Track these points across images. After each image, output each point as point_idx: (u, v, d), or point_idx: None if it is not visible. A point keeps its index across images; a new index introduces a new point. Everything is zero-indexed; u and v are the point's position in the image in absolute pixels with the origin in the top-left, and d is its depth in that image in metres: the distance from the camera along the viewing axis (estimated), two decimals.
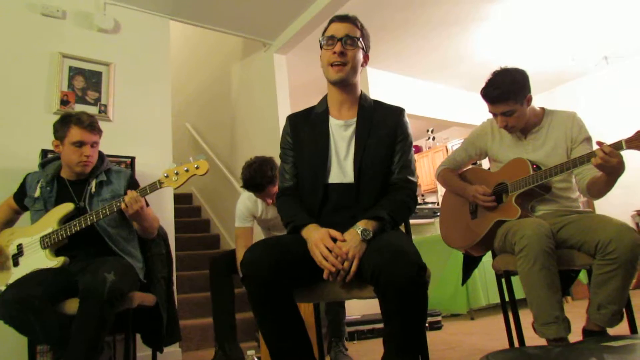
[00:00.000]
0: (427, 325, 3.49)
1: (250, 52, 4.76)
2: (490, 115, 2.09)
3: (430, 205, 6.71)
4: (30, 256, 2.05)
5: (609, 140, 1.67)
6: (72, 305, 1.86)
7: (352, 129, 1.63)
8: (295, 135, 1.69)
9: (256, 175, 2.63)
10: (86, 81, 3.23)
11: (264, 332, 1.39)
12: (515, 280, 1.87)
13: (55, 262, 1.99)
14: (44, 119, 2.93)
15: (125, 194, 2.01)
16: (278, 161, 1.80)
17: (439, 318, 3.69)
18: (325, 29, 1.62)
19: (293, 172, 1.68)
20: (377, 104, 1.71)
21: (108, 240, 2.09)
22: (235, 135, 5.06)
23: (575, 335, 1.74)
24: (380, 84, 5.39)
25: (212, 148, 5.45)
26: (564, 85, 6.51)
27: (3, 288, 1.89)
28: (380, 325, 3.31)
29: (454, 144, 7.69)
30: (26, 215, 2.24)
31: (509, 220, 1.92)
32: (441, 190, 6.90)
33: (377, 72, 5.43)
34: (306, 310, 2.34)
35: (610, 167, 1.66)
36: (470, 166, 2.35)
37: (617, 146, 1.64)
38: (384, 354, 1.33)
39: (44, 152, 2.80)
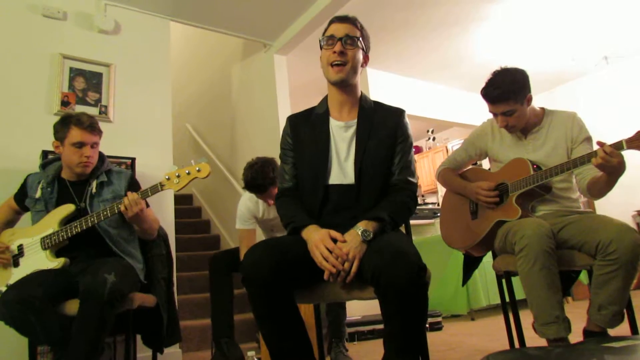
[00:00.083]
0: (427, 326, 3.49)
1: (250, 52, 4.76)
2: (491, 116, 2.09)
3: (430, 206, 6.71)
4: (31, 257, 2.05)
5: (610, 140, 1.67)
6: (72, 306, 1.86)
7: (352, 130, 1.63)
8: (295, 136, 1.70)
9: (258, 176, 2.63)
10: (87, 82, 3.23)
11: (264, 332, 1.40)
12: (516, 281, 1.87)
13: (55, 263, 1.99)
14: (44, 119, 2.93)
15: (126, 194, 2.01)
16: (279, 162, 1.80)
17: (440, 319, 3.69)
18: (326, 30, 1.62)
19: (293, 173, 1.68)
20: (378, 105, 1.71)
21: (109, 241, 2.09)
22: (235, 136, 5.06)
23: (575, 336, 1.73)
24: (380, 84, 5.39)
25: (213, 149, 5.46)
26: (564, 85, 6.51)
27: (3, 289, 1.89)
28: (381, 326, 3.30)
29: (454, 144, 7.69)
30: (27, 216, 2.24)
31: (509, 220, 1.92)
32: (441, 191, 6.89)
33: (377, 72, 5.43)
34: (306, 311, 2.34)
35: (610, 167, 1.66)
36: (470, 166, 2.35)
37: (618, 146, 1.64)
38: (384, 355, 1.33)
39: (45, 153, 2.81)
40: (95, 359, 1.76)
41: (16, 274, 2.03)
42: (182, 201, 5.70)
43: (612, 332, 1.78)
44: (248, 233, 2.83)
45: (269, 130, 4.33)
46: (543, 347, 1.66)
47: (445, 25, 4.58)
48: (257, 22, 4.05)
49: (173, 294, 2.42)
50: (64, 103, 3.10)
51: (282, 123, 3.91)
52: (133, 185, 2.24)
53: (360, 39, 1.60)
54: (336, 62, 1.56)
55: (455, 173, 2.30)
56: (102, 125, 2.22)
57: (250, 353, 2.73)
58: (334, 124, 1.65)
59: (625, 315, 1.77)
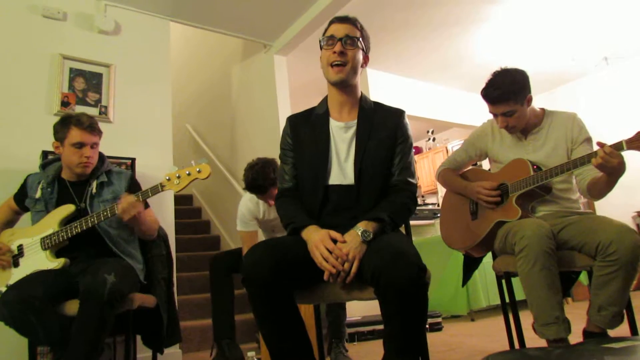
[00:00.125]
0: (427, 326, 3.48)
1: (250, 53, 4.76)
2: (491, 116, 2.09)
3: (430, 207, 6.71)
4: (31, 257, 2.05)
5: (610, 140, 1.67)
6: (72, 307, 1.86)
7: (352, 130, 1.64)
8: (295, 136, 1.70)
9: (258, 177, 2.63)
10: (87, 82, 3.23)
11: (265, 333, 1.39)
12: (516, 282, 1.87)
13: (55, 263, 1.99)
14: (44, 120, 2.93)
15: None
16: (279, 162, 1.80)
17: (439, 319, 3.69)
18: (326, 30, 1.63)
19: (293, 173, 1.68)
20: (378, 105, 1.71)
21: (109, 241, 2.08)
22: (235, 136, 5.06)
23: (575, 337, 1.74)
24: (380, 85, 5.40)
25: (213, 149, 5.46)
26: (564, 85, 6.52)
27: (3, 289, 1.89)
28: (381, 327, 3.30)
29: (454, 145, 7.69)
30: (27, 216, 2.24)
31: (509, 221, 1.92)
32: (441, 192, 6.89)
33: (377, 73, 5.43)
34: (306, 311, 2.34)
35: (610, 168, 1.66)
36: (470, 167, 2.35)
37: (618, 147, 1.64)
38: (384, 355, 1.33)
39: (45, 154, 2.81)
40: (95, 359, 1.75)
41: (16, 274, 2.02)
42: (182, 202, 5.70)
43: (611, 332, 1.78)
44: (250, 235, 2.82)
45: (269, 131, 4.33)
46: (543, 348, 1.66)
47: (445, 26, 4.59)
48: (257, 22, 4.05)
49: (173, 295, 2.42)
50: (64, 103, 3.10)
51: (282, 123, 3.91)
52: (133, 185, 2.24)
53: (361, 39, 1.60)
54: (336, 63, 1.56)
55: (455, 173, 2.30)
56: (102, 126, 2.22)
57: (250, 353, 2.73)
58: (334, 125, 1.66)
59: (625, 316, 1.77)
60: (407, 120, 1.69)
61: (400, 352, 1.30)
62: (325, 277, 1.40)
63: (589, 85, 6.27)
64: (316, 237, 1.43)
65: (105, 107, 3.26)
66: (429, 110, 5.87)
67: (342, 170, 1.60)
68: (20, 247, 2.09)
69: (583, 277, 3.63)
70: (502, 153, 2.12)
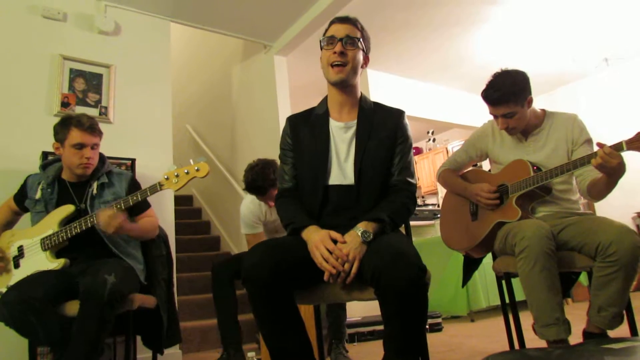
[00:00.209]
0: (427, 327, 3.48)
1: (250, 53, 4.77)
2: (491, 117, 2.09)
3: (430, 207, 6.71)
4: (31, 258, 2.05)
5: (610, 141, 1.67)
6: (72, 307, 1.86)
7: (352, 131, 1.64)
8: (295, 137, 1.70)
9: (258, 178, 2.63)
10: (87, 83, 3.23)
11: (265, 333, 1.39)
12: (516, 282, 1.87)
13: (55, 263, 1.99)
14: (44, 120, 2.94)
15: (127, 196, 2.01)
16: (279, 163, 1.80)
17: (439, 320, 3.69)
18: (326, 30, 1.63)
19: (292, 174, 1.68)
20: (377, 106, 1.71)
21: (108, 242, 2.08)
22: (235, 136, 5.06)
23: (575, 338, 1.74)
24: (380, 85, 5.40)
25: (213, 149, 5.46)
26: (565, 86, 6.52)
27: (4, 290, 1.89)
28: (381, 327, 3.31)
29: (455, 145, 7.70)
30: (27, 217, 2.24)
31: (509, 221, 1.92)
32: (441, 192, 6.90)
33: (377, 73, 5.43)
34: (306, 311, 2.34)
35: (610, 168, 1.66)
36: (470, 168, 2.35)
37: (618, 147, 1.64)
38: (384, 356, 1.33)
39: (45, 154, 2.81)
40: (95, 359, 1.75)
41: (16, 275, 2.03)
42: (183, 202, 5.70)
43: (611, 333, 1.78)
44: (256, 237, 2.80)
45: (269, 131, 4.33)
46: (543, 349, 1.66)
47: (446, 26, 4.59)
48: (258, 23, 4.06)
49: (173, 295, 2.42)
50: (64, 104, 3.10)
51: (282, 124, 3.91)
52: (134, 186, 2.23)
53: (361, 39, 1.60)
54: (336, 63, 1.56)
55: (455, 174, 2.30)
56: (102, 127, 2.22)
57: (250, 353, 2.73)
58: (334, 125, 1.66)
59: (625, 317, 1.77)
60: (406, 120, 1.69)
61: (400, 352, 1.30)
62: (326, 277, 1.40)
63: (589, 86, 6.27)
64: (316, 238, 1.43)
65: (106, 108, 3.26)
66: (429, 110, 5.87)
67: (342, 170, 1.60)
68: (20, 248, 2.09)
69: (583, 278, 3.64)
70: (502, 154, 2.12)
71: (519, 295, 1.88)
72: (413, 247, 1.39)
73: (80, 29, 3.34)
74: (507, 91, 1.92)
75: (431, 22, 4.47)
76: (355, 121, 1.65)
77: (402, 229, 1.70)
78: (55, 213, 2.08)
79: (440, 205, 2.49)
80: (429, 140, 8.31)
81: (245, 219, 2.83)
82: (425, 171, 8.07)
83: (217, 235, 5.22)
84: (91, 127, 2.11)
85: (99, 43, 3.37)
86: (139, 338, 2.32)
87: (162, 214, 3.15)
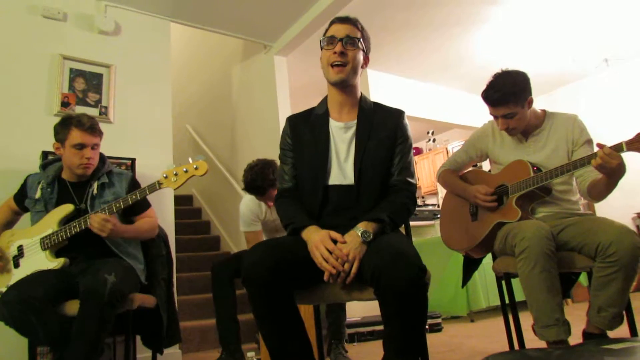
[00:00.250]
0: (427, 327, 3.48)
1: (250, 54, 4.77)
2: (491, 117, 2.09)
3: (430, 207, 6.71)
4: (31, 257, 2.05)
5: (610, 142, 1.67)
6: (72, 307, 1.86)
7: (352, 131, 1.64)
8: (295, 137, 1.70)
9: (257, 178, 2.63)
10: (87, 83, 3.24)
11: (264, 333, 1.39)
12: (516, 283, 1.87)
13: (55, 263, 1.99)
14: (44, 120, 2.94)
15: (126, 196, 2.01)
16: (279, 163, 1.80)
17: (439, 320, 3.69)
18: (326, 30, 1.63)
19: (292, 174, 1.68)
20: (377, 106, 1.71)
21: (108, 242, 2.08)
22: (235, 136, 5.06)
23: (575, 338, 1.74)
24: (380, 85, 5.40)
25: (213, 149, 5.46)
26: (565, 87, 6.52)
27: (4, 289, 1.89)
28: (381, 327, 3.31)
29: (455, 145, 7.70)
30: (26, 217, 2.24)
31: (509, 222, 1.92)
32: (441, 192, 6.90)
33: (377, 74, 5.43)
34: (306, 311, 2.34)
35: (610, 169, 1.66)
36: (471, 168, 2.35)
37: (618, 148, 1.64)
38: (384, 356, 1.33)
39: (45, 154, 2.81)
40: (95, 359, 1.76)
41: (16, 275, 2.02)
42: (182, 202, 5.70)
43: (611, 334, 1.78)
44: (254, 235, 2.81)
45: (269, 131, 4.33)
46: (543, 349, 1.66)
47: (446, 26, 4.59)
48: (258, 23, 4.06)
49: (173, 295, 2.42)
50: (64, 104, 3.10)
51: (282, 124, 3.91)
52: (134, 186, 2.23)
53: (361, 40, 1.60)
54: (336, 63, 1.56)
55: (455, 175, 2.30)
56: (102, 126, 2.22)
57: (250, 353, 2.73)
58: (334, 125, 1.66)
59: (625, 317, 1.77)
60: (406, 120, 1.69)
61: (400, 352, 1.30)
62: (325, 277, 1.40)
63: (589, 86, 6.27)
64: (316, 238, 1.43)
65: (106, 108, 3.26)
66: (429, 111, 5.87)
67: (341, 170, 1.60)
68: (20, 248, 2.09)
69: (583, 278, 3.64)
70: (502, 154, 2.12)
71: (519, 296, 1.88)
72: (413, 247, 1.39)
73: (80, 29, 3.34)
74: (508, 92, 1.92)
75: (431, 22, 4.47)
76: (355, 121, 1.65)
77: (402, 229, 1.70)
78: (55, 212, 2.08)
79: (440, 206, 2.49)
80: (429, 140, 8.31)
81: (245, 217, 2.83)
82: (425, 171, 8.07)
83: (217, 235, 5.22)
84: (91, 127, 2.11)
85: (99, 43, 3.37)
86: (138, 338, 2.32)
87: (162, 213, 3.15)
